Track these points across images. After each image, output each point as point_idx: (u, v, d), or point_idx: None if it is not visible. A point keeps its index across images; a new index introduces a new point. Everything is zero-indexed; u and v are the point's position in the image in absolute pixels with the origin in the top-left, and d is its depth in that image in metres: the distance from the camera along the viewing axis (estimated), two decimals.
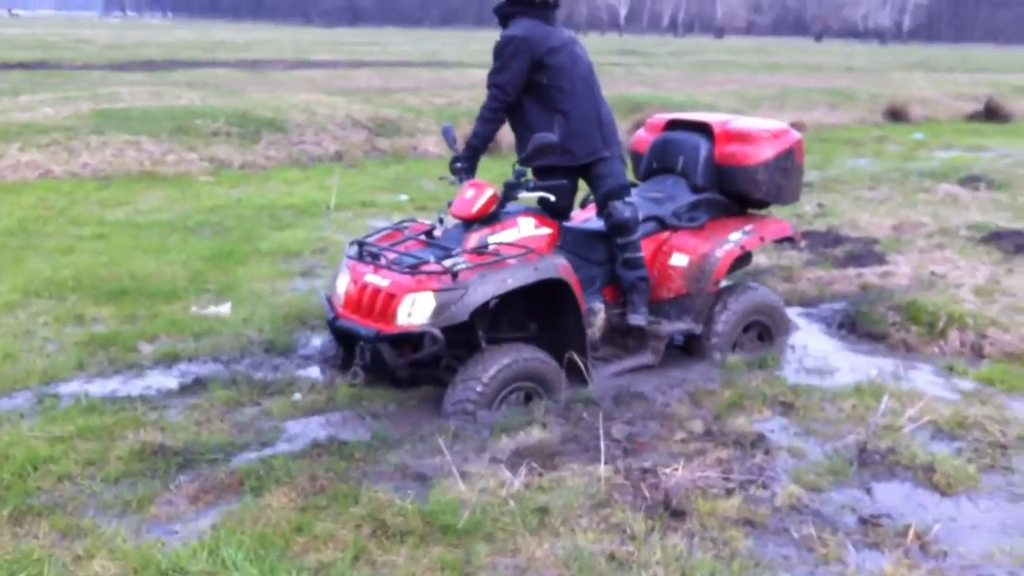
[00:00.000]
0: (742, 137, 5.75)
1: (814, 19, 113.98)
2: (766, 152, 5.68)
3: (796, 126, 18.31)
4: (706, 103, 18.86)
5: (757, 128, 5.82)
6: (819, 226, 8.68)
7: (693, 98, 19.54)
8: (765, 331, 5.91)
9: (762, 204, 5.95)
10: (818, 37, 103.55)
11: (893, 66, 38.30)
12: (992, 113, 21.82)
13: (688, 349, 5.73)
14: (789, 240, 6.05)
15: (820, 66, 36.44)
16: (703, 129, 5.89)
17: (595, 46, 49.20)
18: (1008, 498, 4.09)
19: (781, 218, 6.10)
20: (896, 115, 21.12)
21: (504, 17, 5.28)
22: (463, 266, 4.67)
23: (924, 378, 5.51)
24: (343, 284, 4.94)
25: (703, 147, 5.79)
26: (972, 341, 5.98)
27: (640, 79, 24.61)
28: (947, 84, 26.29)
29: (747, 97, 20.53)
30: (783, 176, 5.75)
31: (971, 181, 10.76)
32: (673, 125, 6.12)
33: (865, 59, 45.82)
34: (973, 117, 21.85)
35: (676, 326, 5.54)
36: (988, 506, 4.02)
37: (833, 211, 9.29)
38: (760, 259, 7.59)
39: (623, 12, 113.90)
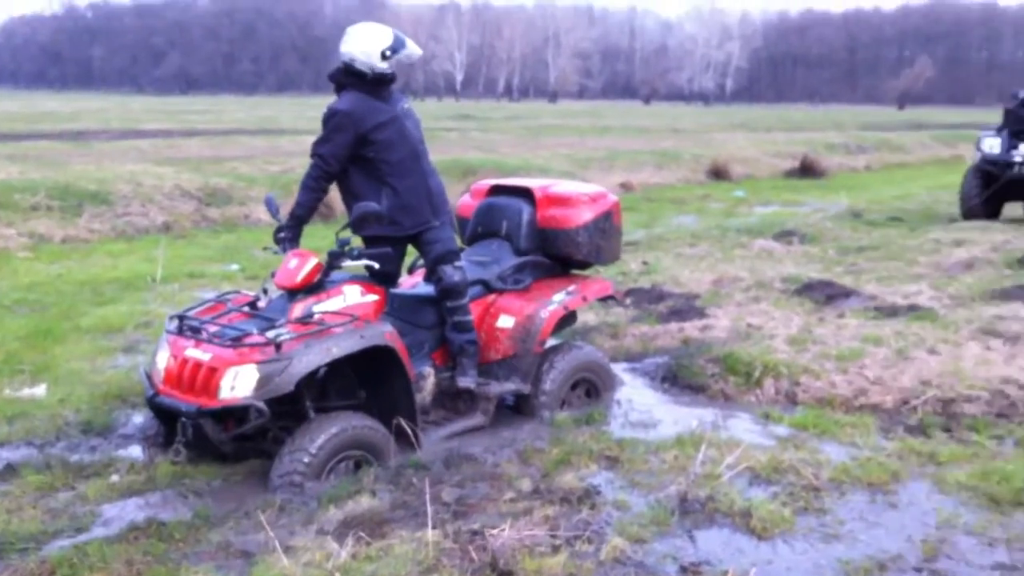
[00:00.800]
0: (562, 201, 5.93)
1: (642, 83, 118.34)
2: (585, 215, 5.88)
3: (624, 186, 19.05)
4: (538, 166, 19.30)
5: (576, 192, 6.03)
6: (644, 283, 8.96)
7: (526, 161, 19.97)
8: (592, 387, 6.06)
9: (584, 265, 6.13)
10: (646, 100, 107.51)
11: (716, 127, 40.06)
12: (807, 170, 23.09)
13: (518, 409, 5.82)
14: (611, 298, 6.24)
15: (648, 128, 37.78)
16: (525, 194, 6.05)
17: (432, 111, 49.85)
18: (821, 539, 4.27)
19: (603, 277, 6.28)
20: (719, 174, 22.09)
21: (339, 85, 5.32)
22: (287, 337, 4.64)
23: (742, 426, 5.72)
24: (163, 359, 4.83)
25: (525, 211, 5.94)
26: (786, 389, 6.26)
27: (474, 144, 25.00)
28: (766, 143, 27.67)
29: (578, 159, 21.10)
30: (602, 237, 5.95)
31: (785, 236, 11.32)
32: (496, 190, 6.26)
33: (690, 120, 47.76)
34: (790, 174, 23.05)
35: (505, 387, 5.62)
36: (802, 548, 4.19)
37: (657, 268, 9.62)
38: (587, 317, 7.78)
39: (459, 78, 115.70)
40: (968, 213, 12.94)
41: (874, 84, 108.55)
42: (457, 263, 5.47)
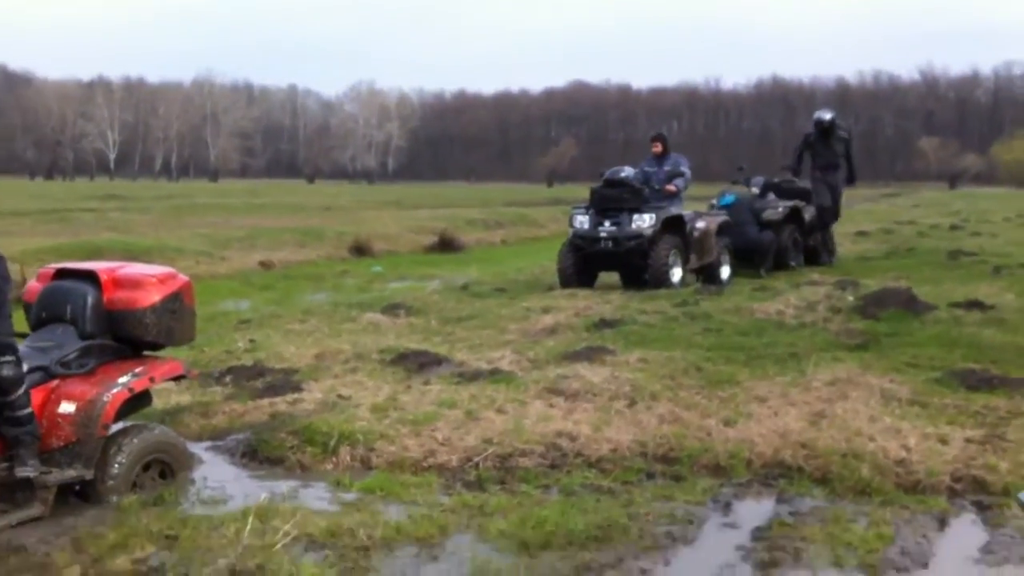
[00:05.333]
0: (129, 283, 5.96)
1: (306, 161, 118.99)
2: (153, 296, 5.93)
3: (264, 264, 19.08)
4: (173, 247, 18.97)
5: (144, 274, 6.08)
6: (247, 360, 9.01)
7: (161, 242, 19.56)
8: (167, 468, 6.04)
9: (156, 346, 6.16)
10: (310, 179, 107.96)
11: (370, 204, 40.91)
12: (446, 244, 24.21)
13: (85, 495, 5.71)
14: (182, 377, 6.30)
15: (301, 206, 37.96)
16: (91, 277, 6.02)
17: (80, 191, 47.51)
18: None
19: (175, 358, 6.31)
20: (360, 250, 22.62)
21: None
22: None
23: (313, 494, 5.88)
24: None
25: (91, 294, 5.90)
26: (361, 455, 6.51)
27: (110, 224, 24.14)
28: (410, 220, 28.62)
29: (216, 239, 20.89)
30: (173, 318, 6.02)
31: (392, 309, 11.78)
32: (62, 274, 6.18)
33: (348, 198, 48.46)
34: (430, 249, 24.00)
35: (66, 474, 5.50)
36: None
37: (264, 345, 9.70)
38: (182, 397, 7.76)
39: (112, 156, 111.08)
40: (564, 282, 14.06)
41: (526, 162, 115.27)
42: (8, 357, 5.33)
